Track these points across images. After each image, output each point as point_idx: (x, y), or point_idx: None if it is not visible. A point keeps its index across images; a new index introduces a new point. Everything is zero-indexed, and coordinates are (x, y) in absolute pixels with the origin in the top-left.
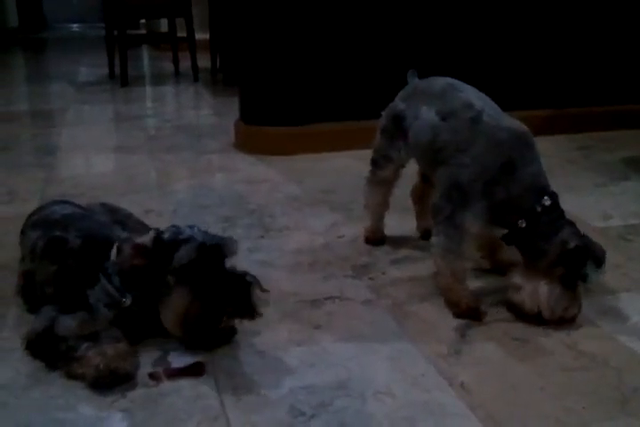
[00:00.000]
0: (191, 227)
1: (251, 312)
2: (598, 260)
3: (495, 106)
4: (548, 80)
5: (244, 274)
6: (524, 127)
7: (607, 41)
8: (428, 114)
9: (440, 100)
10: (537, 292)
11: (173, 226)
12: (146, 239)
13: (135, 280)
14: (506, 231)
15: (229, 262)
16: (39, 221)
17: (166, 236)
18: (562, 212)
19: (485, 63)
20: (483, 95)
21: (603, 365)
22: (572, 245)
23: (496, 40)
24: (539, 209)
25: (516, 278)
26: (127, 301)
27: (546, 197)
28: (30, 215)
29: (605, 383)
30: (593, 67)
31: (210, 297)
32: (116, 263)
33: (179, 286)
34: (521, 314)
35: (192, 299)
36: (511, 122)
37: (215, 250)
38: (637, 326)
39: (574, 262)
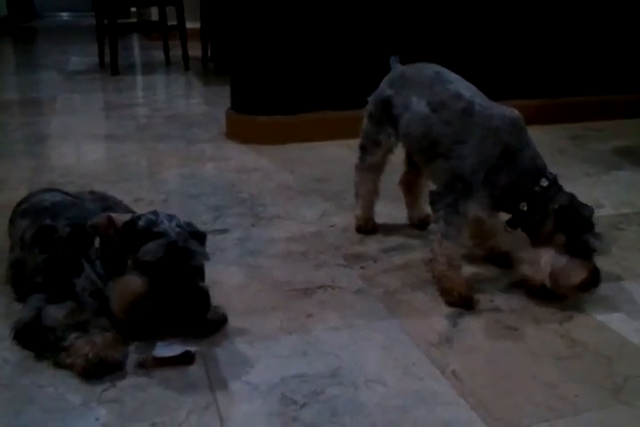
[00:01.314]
0: (170, 218)
1: (203, 331)
2: (587, 220)
3: (482, 94)
4: (539, 69)
5: (205, 289)
6: (515, 112)
7: (600, 30)
8: (418, 105)
9: (430, 91)
10: (540, 260)
11: (153, 213)
12: (120, 218)
13: (105, 253)
14: (509, 217)
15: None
16: (28, 210)
17: (141, 223)
18: (559, 188)
19: (476, 52)
20: (470, 84)
21: (594, 353)
22: (556, 206)
23: (487, 29)
24: (538, 190)
25: (523, 252)
26: (109, 289)
27: (543, 179)
28: (19, 204)
29: (597, 372)
30: (585, 56)
31: (164, 299)
32: (92, 226)
33: (138, 273)
34: (535, 289)
35: (146, 293)
36: (502, 109)
37: (185, 252)
38: (629, 314)
39: (566, 224)
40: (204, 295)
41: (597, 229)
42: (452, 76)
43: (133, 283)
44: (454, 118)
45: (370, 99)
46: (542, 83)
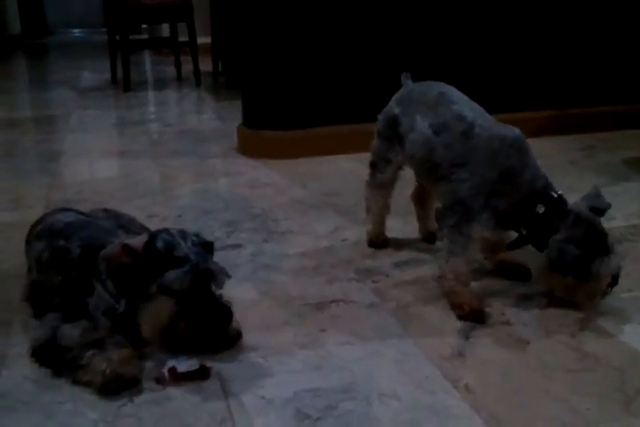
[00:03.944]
0: (184, 236)
1: (228, 344)
2: (589, 249)
3: (486, 115)
4: (549, 81)
5: (229, 305)
6: (515, 132)
7: (609, 41)
8: (421, 126)
9: (433, 112)
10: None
11: (166, 232)
12: (137, 243)
13: (121, 281)
14: (512, 238)
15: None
16: (43, 232)
17: (159, 245)
18: (561, 211)
19: (486, 65)
20: (475, 104)
21: (606, 366)
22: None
23: (496, 42)
24: (538, 214)
25: (538, 274)
26: (121, 307)
27: (539, 205)
28: (34, 225)
29: (609, 385)
30: (595, 67)
31: (196, 320)
32: (105, 259)
33: (162, 298)
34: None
35: (177, 316)
36: (503, 129)
37: (207, 274)
38: (639, 326)
39: (562, 262)
40: (229, 311)
41: (610, 242)
42: (457, 96)
43: (165, 307)
44: (454, 141)
45: (379, 116)
46: (552, 94)
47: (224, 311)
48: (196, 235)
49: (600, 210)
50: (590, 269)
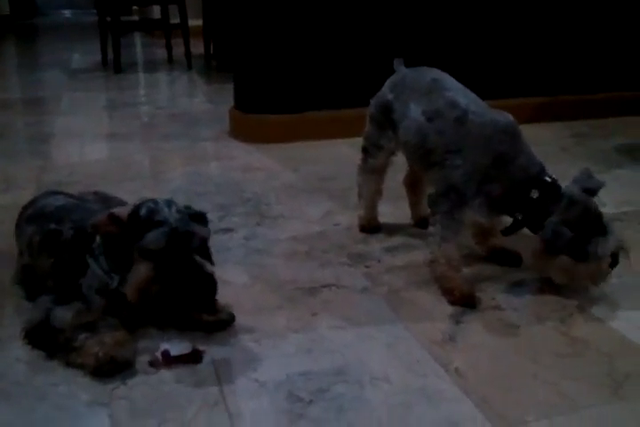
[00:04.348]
0: (169, 204)
1: (209, 307)
2: (586, 228)
3: (480, 101)
4: (541, 67)
5: (208, 270)
6: (509, 118)
7: (601, 28)
8: (415, 113)
9: (426, 99)
10: (550, 270)
11: (152, 201)
12: (123, 211)
13: (109, 250)
14: (505, 224)
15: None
16: (34, 215)
17: (143, 212)
18: (555, 196)
19: (478, 51)
20: (468, 91)
21: (595, 351)
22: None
23: (489, 27)
24: (532, 199)
25: (535, 258)
26: (114, 282)
27: (534, 191)
28: (24, 209)
29: (598, 369)
30: (588, 53)
31: (170, 284)
32: (92, 227)
33: (142, 261)
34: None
35: (152, 278)
36: (496, 115)
37: (186, 237)
38: (628, 312)
39: (561, 243)
40: (208, 276)
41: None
42: (451, 82)
43: (142, 269)
44: (448, 128)
45: (372, 102)
46: (545, 80)
47: (203, 277)
48: (188, 207)
49: (593, 190)
50: (587, 251)
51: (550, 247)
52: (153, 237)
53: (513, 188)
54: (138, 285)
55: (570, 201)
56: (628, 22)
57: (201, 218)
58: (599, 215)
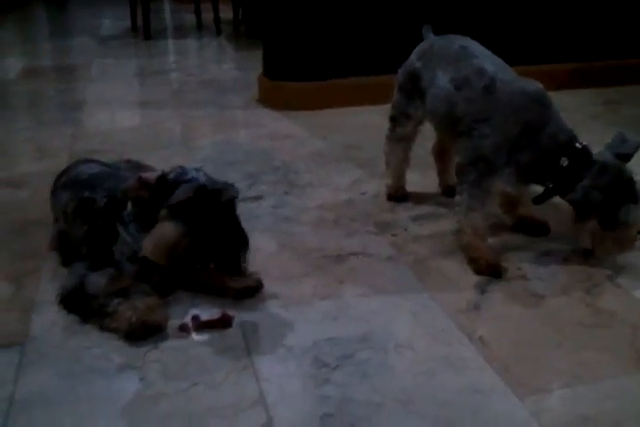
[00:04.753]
0: (197, 170)
1: (236, 269)
2: (618, 194)
3: (508, 68)
4: (572, 33)
5: (240, 225)
6: (538, 86)
7: None
8: (443, 81)
9: (454, 67)
10: (583, 236)
11: (180, 167)
12: (151, 175)
13: (139, 214)
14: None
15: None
16: (68, 183)
17: (171, 176)
18: (587, 163)
19: (508, 17)
20: (496, 58)
21: (619, 322)
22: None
23: None
24: (562, 167)
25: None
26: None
27: (563, 158)
28: (59, 176)
29: (621, 340)
30: (619, 19)
31: (202, 239)
32: (123, 192)
33: (172, 219)
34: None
35: (182, 234)
36: (525, 84)
37: (215, 194)
38: None
39: (595, 206)
40: (241, 231)
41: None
42: (479, 50)
43: (168, 227)
44: (476, 96)
45: (400, 70)
46: (576, 46)
47: (236, 232)
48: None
49: (627, 155)
50: (618, 217)
51: (580, 211)
52: (181, 190)
53: (543, 156)
54: (165, 242)
55: (601, 167)
56: None
57: (229, 185)
58: (631, 182)
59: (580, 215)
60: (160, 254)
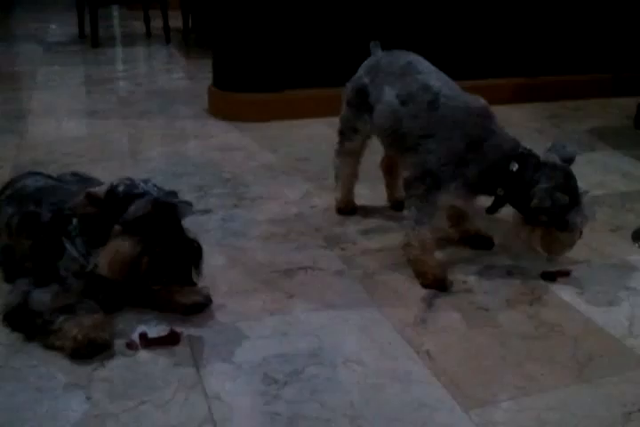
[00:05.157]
0: (145, 181)
1: (188, 281)
2: (566, 201)
3: (453, 84)
4: (519, 48)
5: (195, 240)
6: (481, 101)
7: (579, 9)
8: (389, 97)
9: (400, 82)
10: (522, 236)
11: (128, 179)
12: (99, 190)
13: (89, 230)
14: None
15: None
16: (12, 196)
17: (120, 189)
18: (534, 165)
19: (456, 32)
20: (441, 74)
21: (561, 334)
22: (535, 199)
23: (468, 9)
24: (512, 173)
25: (516, 229)
26: (91, 264)
27: (513, 163)
28: (3, 189)
29: (563, 352)
30: (564, 35)
31: (159, 256)
32: (71, 209)
33: (128, 235)
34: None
35: (141, 251)
36: (468, 99)
37: (168, 208)
38: (596, 296)
39: (546, 210)
40: (197, 246)
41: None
42: (425, 66)
43: (126, 244)
44: (421, 112)
45: (347, 85)
46: (521, 62)
47: (192, 247)
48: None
49: (570, 159)
50: (567, 219)
51: (530, 214)
52: (138, 206)
53: (489, 167)
54: (124, 259)
55: (553, 168)
56: (606, 3)
57: (175, 195)
58: (577, 185)
59: (529, 219)
60: (117, 272)
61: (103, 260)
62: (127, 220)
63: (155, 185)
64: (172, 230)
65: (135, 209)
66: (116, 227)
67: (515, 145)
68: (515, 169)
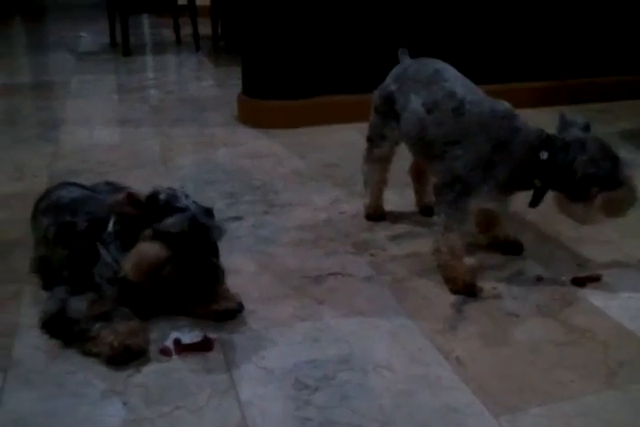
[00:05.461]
0: (187, 196)
1: (206, 300)
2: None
3: (478, 90)
4: (547, 51)
5: (218, 265)
6: (505, 105)
7: (607, 12)
8: (415, 105)
9: (426, 90)
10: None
11: (170, 188)
12: (141, 193)
13: (121, 231)
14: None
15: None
16: (49, 207)
17: (162, 197)
18: (563, 147)
19: (480, 37)
20: (467, 81)
21: (591, 340)
22: (579, 172)
23: (495, 12)
24: (544, 158)
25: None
26: (122, 271)
27: (542, 152)
28: (39, 200)
29: (593, 358)
30: (595, 37)
31: (183, 268)
32: (110, 205)
33: (157, 241)
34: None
35: (168, 258)
36: (492, 103)
37: (203, 229)
38: (627, 301)
39: (594, 179)
40: (217, 269)
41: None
42: (451, 73)
43: (155, 248)
44: (446, 119)
45: (375, 92)
46: (550, 64)
47: (213, 269)
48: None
49: (587, 127)
50: (618, 177)
51: (581, 189)
52: (176, 221)
53: (520, 164)
54: (150, 261)
55: (580, 142)
56: (632, 4)
57: (211, 214)
58: (607, 144)
59: (577, 196)
60: (141, 274)
61: (129, 261)
62: (160, 230)
63: (194, 202)
64: (199, 251)
65: (172, 223)
66: (147, 231)
67: (539, 135)
68: (545, 157)
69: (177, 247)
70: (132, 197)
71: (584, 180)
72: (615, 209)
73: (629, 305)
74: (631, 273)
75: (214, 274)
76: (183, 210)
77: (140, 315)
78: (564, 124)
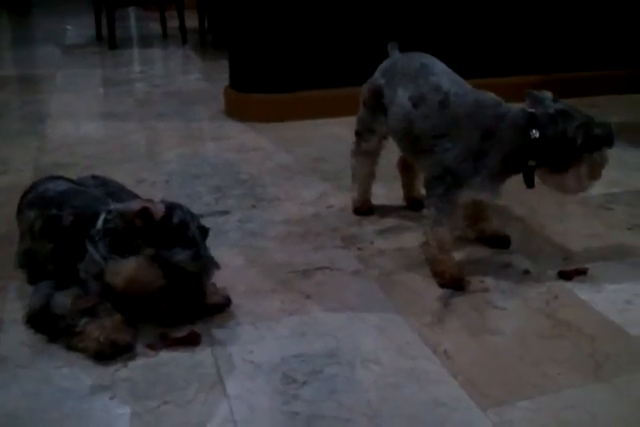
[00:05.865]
0: (192, 217)
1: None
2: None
3: (464, 83)
4: (535, 45)
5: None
6: (489, 94)
7: (592, 5)
8: (402, 99)
9: (413, 84)
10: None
11: (181, 209)
12: (159, 211)
13: (122, 239)
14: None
15: None
16: (35, 200)
17: (175, 221)
18: (548, 122)
19: (469, 31)
20: (454, 75)
21: (578, 333)
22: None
23: (483, 7)
24: (537, 137)
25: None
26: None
27: (532, 131)
28: (25, 193)
29: (580, 351)
30: (582, 31)
31: (169, 292)
32: (120, 213)
33: (157, 265)
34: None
35: (161, 286)
36: (477, 94)
37: (202, 264)
38: (613, 294)
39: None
40: (202, 295)
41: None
42: (438, 67)
43: (154, 274)
44: (432, 112)
45: (364, 86)
46: (537, 58)
47: (197, 295)
48: (195, 217)
49: (556, 100)
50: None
51: (573, 155)
52: (179, 255)
53: (511, 149)
54: (144, 283)
55: (563, 112)
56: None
57: (206, 233)
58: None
59: (567, 163)
60: (126, 287)
61: (121, 272)
62: (162, 255)
63: (197, 225)
64: (194, 282)
65: (176, 256)
66: (149, 250)
67: (523, 115)
68: (537, 135)
69: (174, 278)
70: (146, 213)
71: (586, 144)
72: (598, 170)
73: (615, 298)
74: (617, 266)
75: (201, 292)
76: (191, 242)
77: (123, 310)
78: (536, 99)
